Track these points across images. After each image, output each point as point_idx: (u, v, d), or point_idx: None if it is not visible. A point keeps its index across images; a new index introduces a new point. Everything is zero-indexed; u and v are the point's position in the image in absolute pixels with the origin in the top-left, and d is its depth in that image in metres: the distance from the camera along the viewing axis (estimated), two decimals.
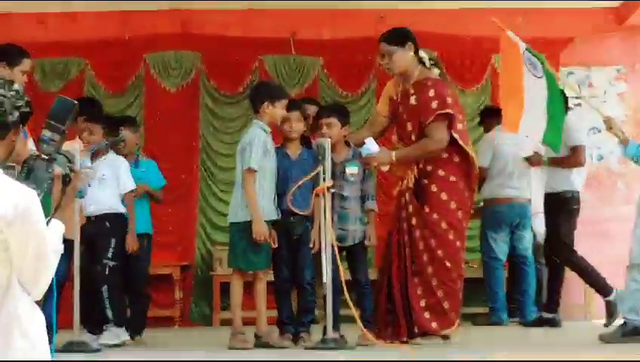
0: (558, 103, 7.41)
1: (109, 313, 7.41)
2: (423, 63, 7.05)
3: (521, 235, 9.31)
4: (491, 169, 9.22)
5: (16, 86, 3.29)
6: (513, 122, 7.23)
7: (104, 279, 7.43)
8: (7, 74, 6.52)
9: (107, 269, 7.42)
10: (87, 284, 7.34)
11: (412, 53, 6.97)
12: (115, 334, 7.41)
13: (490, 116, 9.41)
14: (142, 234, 7.75)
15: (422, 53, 7.03)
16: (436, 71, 7.12)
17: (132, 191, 7.61)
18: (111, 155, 7.66)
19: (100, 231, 7.47)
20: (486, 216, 9.21)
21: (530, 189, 9.30)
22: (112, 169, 7.57)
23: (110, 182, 7.54)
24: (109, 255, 7.45)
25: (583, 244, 9.69)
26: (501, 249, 9.21)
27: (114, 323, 7.43)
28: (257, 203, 6.95)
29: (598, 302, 9.72)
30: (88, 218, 7.56)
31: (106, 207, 7.51)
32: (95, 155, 7.51)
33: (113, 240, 7.46)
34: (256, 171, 6.98)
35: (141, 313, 7.91)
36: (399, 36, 7.00)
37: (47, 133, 4.14)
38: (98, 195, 7.48)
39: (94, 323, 7.48)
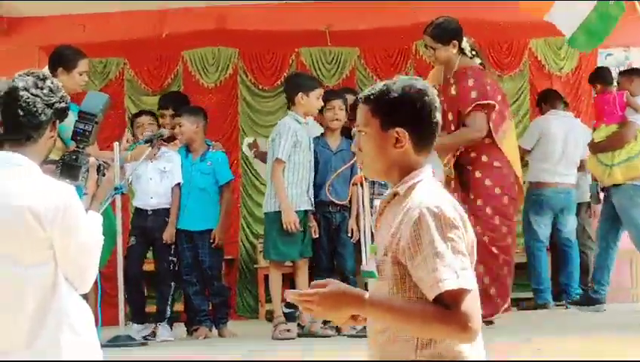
0: (604, 18, 7.19)
1: (169, 310, 7.46)
2: (464, 53, 7.06)
3: (565, 220, 9.27)
4: (536, 152, 9.20)
5: (49, 82, 3.29)
6: (540, 8, 7.10)
7: (171, 276, 7.48)
8: (65, 79, 6.47)
9: (172, 266, 7.48)
10: (136, 279, 7.41)
11: (455, 50, 6.98)
12: (168, 330, 7.47)
13: (546, 100, 9.42)
14: (210, 230, 7.56)
15: (464, 44, 7.04)
16: (477, 60, 7.13)
17: (178, 184, 7.58)
18: (165, 149, 7.69)
19: (160, 226, 7.49)
20: (530, 199, 9.19)
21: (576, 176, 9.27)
22: (170, 162, 7.60)
23: (169, 176, 7.57)
24: (172, 251, 7.49)
25: None
26: (544, 232, 9.18)
27: (167, 321, 7.49)
28: (285, 193, 6.97)
29: None
30: (141, 210, 7.58)
31: (166, 201, 7.54)
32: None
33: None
34: (284, 162, 7.01)
35: (223, 305, 7.74)
36: (444, 34, 7.00)
37: (80, 125, 4.22)
38: (158, 189, 7.52)
39: (143, 315, 7.55)
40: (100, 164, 3.66)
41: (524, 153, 9.06)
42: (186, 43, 10.27)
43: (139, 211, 7.70)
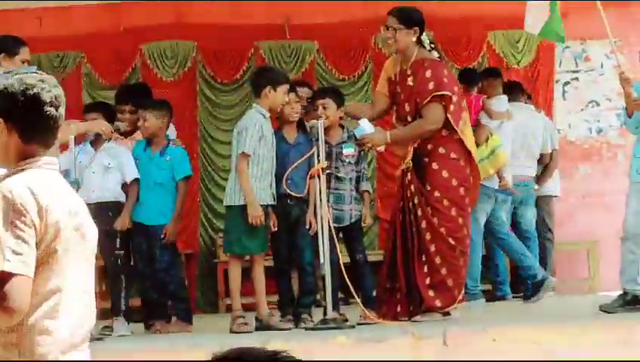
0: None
1: (123, 304, 7.42)
2: (423, 46, 7.08)
3: (523, 211, 9.32)
4: None
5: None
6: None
7: (120, 270, 7.43)
8: (9, 64, 6.55)
9: (119, 260, 7.43)
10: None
11: (414, 38, 7.00)
12: (124, 325, 7.43)
13: (507, 92, 9.42)
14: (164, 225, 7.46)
15: (424, 36, 7.06)
16: (435, 54, 7.16)
17: (136, 179, 7.51)
18: (112, 144, 7.59)
19: (103, 221, 7.42)
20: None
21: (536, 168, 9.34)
22: (115, 158, 7.52)
23: (114, 171, 7.50)
24: (117, 245, 7.44)
25: (584, 217, 9.73)
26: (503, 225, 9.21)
27: (123, 314, 7.44)
28: (251, 187, 6.98)
29: (602, 275, 9.77)
30: (87, 205, 7.51)
31: (109, 195, 7.48)
32: (95, 143, 7.47)
33: (118, 231, 7.44)
34: (249, 156, 7.01)
35: (180, 302, 7.61)
36: (408, 16, 7.03)
37: None
38: (101, 183, 7.45)
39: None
40: None
41: None
42: (144, 36, 10.22)
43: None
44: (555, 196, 9.73)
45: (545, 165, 9.48)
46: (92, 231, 3.10)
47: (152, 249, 7.49)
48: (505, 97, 8.97)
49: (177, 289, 7.63)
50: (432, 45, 7.21)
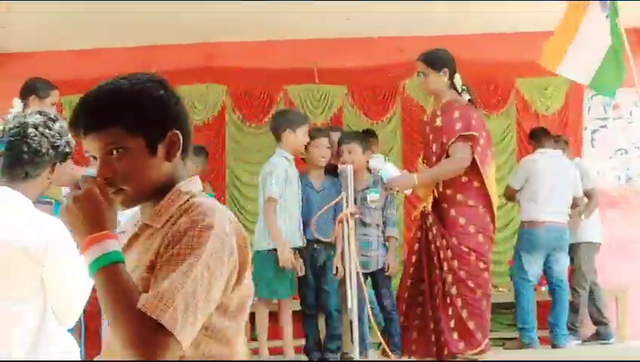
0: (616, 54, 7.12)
1: None
2: (456, 88, 7.08)
3: (556, 258, 9.24)
4: (526, 191, 9.18)
5: (58, 125, 3.29)
6: (551, 61, 7.08)
7: None
8: (38, 106, 6.62)
9: None
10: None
11: (446, 79, 7.00)
12: None
13: (534, 138, 9.43)
14: None
15: (456, 79, 7.06)
16: (467, 96, 7.15)
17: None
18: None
19: None
20: (522, 238, 9.18)
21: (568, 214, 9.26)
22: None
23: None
24: None
25: (611, 265, 9.63)
26: (534, 271, 9.15)
27: None
28: (280, 231, 6.97)
29: (631, 323, 9.66)
30: None
31: None
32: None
33: None
34: (276, 200, 7.00)
35: None
36: (437, 60, 7.03)
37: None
38: None
39: None
40: None
41: (513, 193, 9.11)
42: (173, 80, 10.25)
43: None
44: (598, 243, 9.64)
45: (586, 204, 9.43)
46: None
47: None
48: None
49: None
50: (464, 87, 7.19)
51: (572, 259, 9.42)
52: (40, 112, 3.33)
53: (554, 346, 8.91)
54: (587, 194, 9.43)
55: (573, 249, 9.39)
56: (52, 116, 3.32)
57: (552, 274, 9.22)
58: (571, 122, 10.17)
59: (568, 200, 9.22)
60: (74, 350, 3.22)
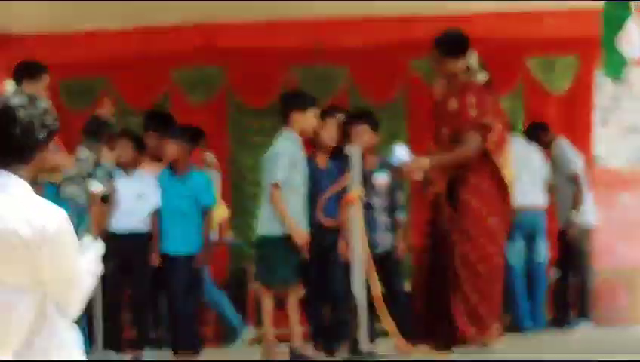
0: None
1: (150, 333, 7.39)
2: (470, 69, 6.93)
3: (535, 242, 9.15)
4: None
5: (43, 103, 3.21)
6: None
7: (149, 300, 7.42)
8: (33, 90, 6.47)
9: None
10: (114, 303, 7.27)
11: (462, 62, 6.86)
12: (153, 355, 7.37)
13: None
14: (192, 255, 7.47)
15: (471, 59, 6.90)
16: (481, 76, 6.99)
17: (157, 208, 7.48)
18: (139, 171, 7.57)
19: (137, 250, 7.36)
20: None
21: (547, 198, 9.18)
22: (145, 185, 7.47)
23: (146, 199, 7.45)
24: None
25: (624, 246, 9.56)
26: (514, 257, 8.98)
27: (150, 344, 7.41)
28: (288, 214, 6.81)
29: None
30: (116, 234, 7.37)
31: (143, 225, 7.42)
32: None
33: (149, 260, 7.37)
34: (280, 186, 6.85)
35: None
36: (453, 46, 6.89)
37: (83, 152, 4.06)
38: (136, 211, 7.39)
39: (119, 341, 7.42)
40: (105, 194, 3.54)
41: None
42: (173, 61, 10.13)
43: (114, 235, 7.44)
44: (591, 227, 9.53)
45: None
46: None
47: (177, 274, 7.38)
48: None
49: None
50: (480, 66, 7.04)
51: (570, 244, 9.33)
52: (16, 92, 3.26)
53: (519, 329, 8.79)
54: (571, 179, 9.26)
55: (569, 234, 9.30)
56: (32, 95, 3.25)
57: (532, 258, 9.15)
58: (581, 101, 9.99)
59: (539, 185, 9.09)
60: (75, 341, 3.12)
